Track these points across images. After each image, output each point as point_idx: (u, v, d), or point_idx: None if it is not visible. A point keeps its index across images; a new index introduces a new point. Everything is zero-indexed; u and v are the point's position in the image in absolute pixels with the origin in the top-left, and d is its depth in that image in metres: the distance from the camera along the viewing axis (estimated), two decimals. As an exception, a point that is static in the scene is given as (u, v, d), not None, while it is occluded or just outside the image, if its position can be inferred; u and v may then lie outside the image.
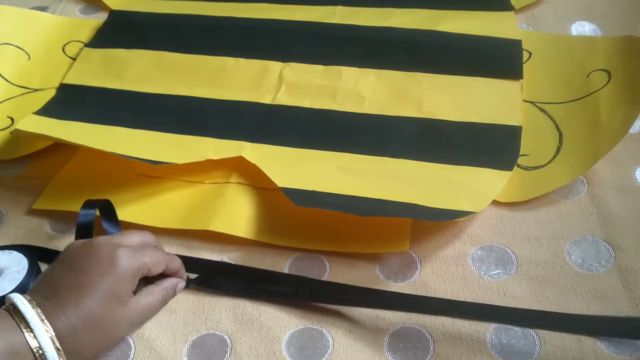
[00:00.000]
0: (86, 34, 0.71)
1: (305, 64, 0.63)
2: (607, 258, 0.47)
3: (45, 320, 0.39)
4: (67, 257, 0.43)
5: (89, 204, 0.49)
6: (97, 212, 0.49)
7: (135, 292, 0.44)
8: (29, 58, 0.69)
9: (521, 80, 0.59)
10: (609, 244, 0.48)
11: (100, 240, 0.44)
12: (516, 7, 0.67)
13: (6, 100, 0.65)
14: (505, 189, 0.50)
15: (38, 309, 0.40)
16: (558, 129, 0.55)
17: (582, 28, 0.66)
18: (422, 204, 0.49)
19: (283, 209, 0.51)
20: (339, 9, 0.69)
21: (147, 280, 0.45)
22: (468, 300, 0.45)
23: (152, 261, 0.44)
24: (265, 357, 0.43)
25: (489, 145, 0.54)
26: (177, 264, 0.47)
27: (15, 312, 0.39)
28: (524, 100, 0.58)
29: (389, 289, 0.47)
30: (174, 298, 0.47)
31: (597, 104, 0.55)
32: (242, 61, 0.64)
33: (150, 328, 0.46)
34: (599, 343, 0.42)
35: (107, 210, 0.50)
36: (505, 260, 0.48)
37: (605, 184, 0.51)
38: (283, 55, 0.64)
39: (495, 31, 0.63)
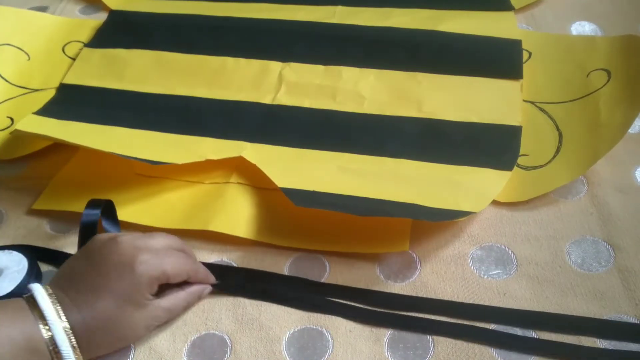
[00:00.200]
0: (86, 34, 0.71)
1: (306, 64, 0.63)
2: (607, 258, 0.47)
3: (63, 317, 0.40)
4: (90, 251, 0.43)
5: (93, 204, 0.49)
6: None
7: (158, 294, 0.43)
8: (29, 58, 0.69)
9: (521, 80, 0.59)
10: (608, 244, 0.48)
11: (125, 239, 0.43)
12: (516, 7, 0.67)
13: (6, 100, 0.65)
14: (505, 189, 0.50)
15: (58, 305, 0.40)
16: (558, 129, 0.55)
17: (582, 28, 0.66)
18: (422, 204, 0.49)
19: (283, 209, 0.51)
20: (339, 9, 0.69)
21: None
22: (468, 300, 0.45)
23: (173, 271, 0.43)
24: (265, 357, 0.43)
25: (489, 145, 0.54)
26: (202, 275, 0.46)
27: (34, 305, 0.40)
28: (523, 100, 0.58)
29: (388, 289, 0.47)
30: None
31: (597, 104, 0.55)
32: (242, 61, 0.64)
33: (150, 328, 0.46)
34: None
35: (109, 211, 0.51)
36: (505, 260, 0.48)
37: (605, 184, 0.51)
38: (283, 55, 0.64)
39: (495, 31, 0.63)
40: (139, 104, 0.62)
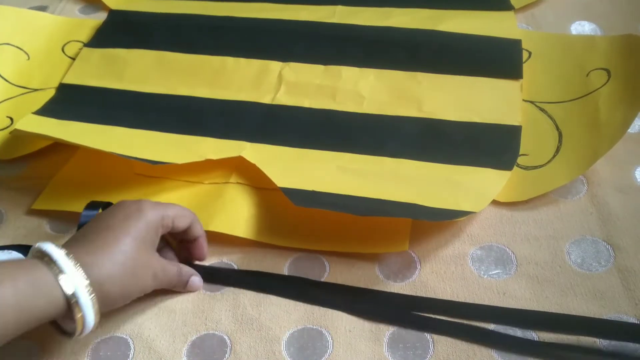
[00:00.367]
0: (86, 34, 0.71)
1: (305, 63, 0.63)
2: (607, 258, 0.47)
3: (79, 266, 0.39)
4: (93, 220, 0.44)
5: (92, 205, 0.49)
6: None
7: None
8: (29, 58, 0.69)
9: (521, 80, 0.58)
10: (608, 244, 0.48)
11: (125, 200, 0.45)
12: (516, 6, 0.67)
13: (6, 100, 0.65)
14: (505, 189, 0.50)
15: (72, 255, 0.39)
16: (558, 129, 0.55)
17: (582, 28, 0.66)
18: (421, 203, 0.49)
19: (283, 209, 0.51)
20: (339, 8, 0.69)
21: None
22: (468, 300, 0.45)
23: (176, 213, 0.45)
24: (264, 357, 0.43)
25: (489, 145, 0.54)
26: (201, 227, 0.48)
27: (47, 260, 0.39)
28: (523, 100, 0.58)
29: (388, 289, 0.47)
30: (174, 297, 0.47)
31: (596, 103, 0.55)
32: (242, 61, 0.64)
33: (150, 328, 0.46)
34: (598, 342, 0.42)
35: None
36: (505, 260, 0.48)
37: (605, 184, 0.51)
38: (283, 55, 0.64)
39: (495, 31, 0.63)
40: (138, 104, 0.62)
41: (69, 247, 0.41)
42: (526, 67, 0.60)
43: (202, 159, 0.54)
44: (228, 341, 0.45)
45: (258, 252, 0.50)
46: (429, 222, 0.50)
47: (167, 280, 0.45)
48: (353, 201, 0.50)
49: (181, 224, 0.46)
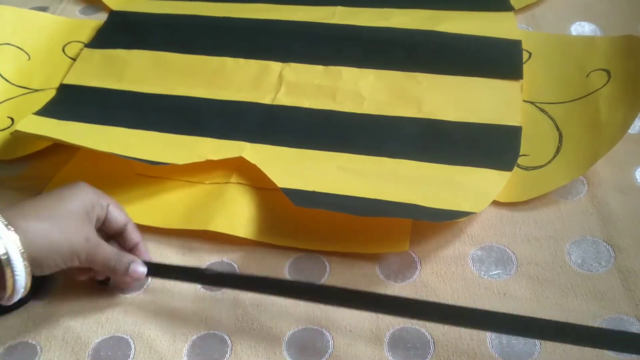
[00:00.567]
0: (86, 35, 0.71)
1: (305, 64, 0.63)
2: (607, 258, 0.47)
3: (10, 226, 0.40)
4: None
5: None
6: None
7: None
8: (29, 58, 0.69)
9: (521, 81, 0.59)
10: (609, 244, 0.48)
11: None
12: (516, 7, 0.67)
13: (6, 100, 0.65)
14: (505, 189, 0.50)
15: (6, 221, 0.40)
16: (558, 129, 0.55)
17: (582, 28, 0.66)
18: (422, 204, 0.49)
19: (283, 209, 0.51)
20: (339, 9, 0.69)
21: None
22: (468, 300, 0.45)
23: (112, 201, 0.47)
24: (265, 357, 0.43)
25: (489, 146, 0.54)
26: (138, 233, 0.48)
27: None
28: (523, 101, 0.58)
29: (388, 289, 0.47)
30: (174, 297, 0.47)
31: (596, 104, 0.55)
32: (242, 61, 0.64)
33: (150, 328, 0.46)
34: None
35: None
36: (505, 261, 0.48)
37: (605, 184, 0.51)
38: (283, 56, 0.64)
39: (495, 31, 0.63)
40: (139, 104, 0.62)
41: (4, 213, 0.41)
42: (526, 68, 0.60)
43: (203, 159, 0.54)
44: (229, 341, 0.45)
45: (258, 252, 0.50)
46: (430, 223, 0.50)
47: (103, 254, 0.45)
48: (353, 201, 0.50)
49: (116, 214, 0.47)
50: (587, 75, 0.58)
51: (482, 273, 0.47)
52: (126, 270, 0.45)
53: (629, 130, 0.52)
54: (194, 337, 0.45)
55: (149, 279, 0.49)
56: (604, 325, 0.43)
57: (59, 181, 0.56)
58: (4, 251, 0.39)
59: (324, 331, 0.45)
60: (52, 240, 0.42)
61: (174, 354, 0.44)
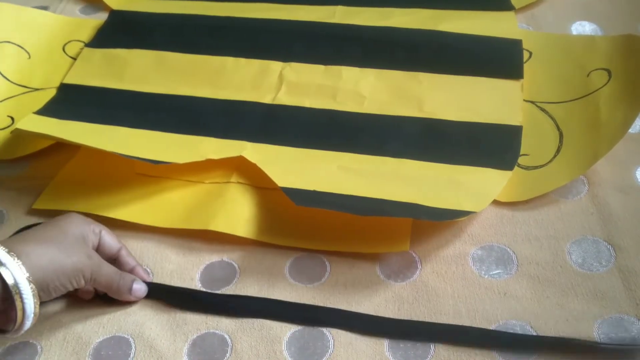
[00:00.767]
0: (86, 34, 0.71)
1: (306, 63, 0.63)
2: (608, 258, 0.47)
3: (12, 252, 0.40)
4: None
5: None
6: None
7: None
8: (29, 57, 0.69)
9: (522, 80, 0.59)
10: (609, 244, 0.48)
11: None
12: (516, 7, 0.67)
13: (6, 99, 0.65)
14: (505, 189, 0.50)
15: (6, 249, 0.40)
16: (558, 129, 0.55)
17: (582, 28, 0.66)
18: (422, 203, 0.49)
19: (283, 209, 0.51)
20: (340, 8, 0.69)
21: None
22: (469, 300, 0.45)
23: (104, 228, 0.47)
24: (265, 357, 0.43)
25: (490, 145, 0.54)
26: (133, 262, 0.48)
27: None
28: (524, 100, 0.58)
29: (389, 289, 0.47)
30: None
31: (597, 103, 0.55)
32: (243, 61, 0.64)
33: (151, 327, 0.46)
34: (597, 339, 0.42)
35: None
36: (506, 260, 0.48)
37: (606, 184, 0.51)
38: (283, 55, 0.64)
39: (496, 31, 0.63)
40: (139, 104, 0.62)
41: (4, 243, 0.42)
42: (527, 67, 0.60)
43: (203, 158, 0.54)
44: (229, 340, 0.45)
45: (259, 251, 0.50)
46: (430, 222, 0.50)
47: (106, 273, 0.45)
48: (354, 201, 0.50)
49: (110, 240, 0.47)
50: (588, 75, 0.58)
51: (483, 273, 0.47)
52: (129, 291, 0.46)
53: (630, 130, 0.52)
54: (195, 336, 0.45)
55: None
56: (604, 325, 0.43)
57: (60, 181, 0.56)
58: (10, 279, 0.39)
59: (325, 331, 0.45)
60: (56, 260, 0.42)
61: (174, 353, 0.44)
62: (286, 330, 0.45)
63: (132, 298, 0.47)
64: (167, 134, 0.58)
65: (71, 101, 0.63)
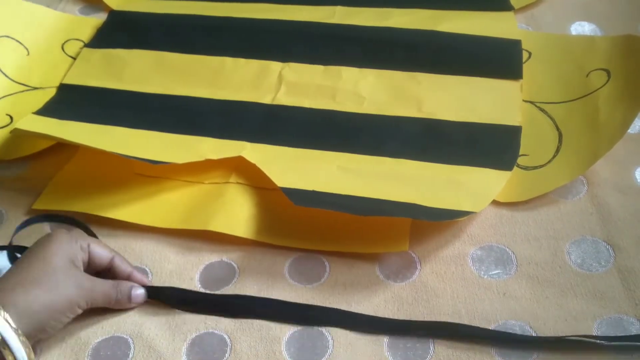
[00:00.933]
0: (86, 33, 0.71)
1: (305, 64, 0.63)
2: (607, 258, 0.47)
3: (3, 310, 0.39)
4: (14, 264, 0.45)
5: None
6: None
7: None
8: (28, 54, 0.69)
9: (521, 80, 0.59)
10: (608, 244, 0.48)
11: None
12: (516, 7, 0.67)
13: (5, 96, 0.64)
14: (505, 189, 0.50)
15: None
16: (557, 129, 0.55)
17: (582, 28, 0.66)
18: (421, 203, 0.49)
19: (283, 209, 0.51)
20: (339, 9, 0.69)
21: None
22: (468, 300, 0.45)
23: (91, 240, 0.46)
24: (265, 357, 0.43)
25: (489, 145, 0.54)
26: (129, 268, 0.47)
27: None
28: (523, 100, 0.58)
29: (388, 289, 0.47)
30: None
31: (596, 104, 0.55)
32: (242, 61, 0.64)
33: (150, 327, 0.46)
34: (599, 342, 0.42)
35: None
36: (505, 260, 0.48)
37: (605, 184, 0.51)
38: (283, 56, 0.64)
39: (495, 31, 0.63)
40: (138, 104, 0.62)
41: None
42: (526, 68, 0.60)
43: (202, 158, 0.54)
44: (228, 340, 0.45)
45: (258, 251, 0.50)
46: (429, 222, 0.50)
47: (101, 292, 0.45)
48: (353, 201, 0.50)
49: (99, 251, 0.46)
50: (587, 75, 0.58)
51: (482, 273, 0.47)
52: (129, 299, 0.46)
53: (629, 130, 0.52)
54: (194, 335, 0.45)
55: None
56: (603, 325, 0.43)
57: (59, 181, 0.56)
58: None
59: (324, 331, 0.45)
60: (47, 303, 0.42)
61: (173, 352, 0.44)
62: (285, 331, 0.45)
63: (133, 305, 0.47)
64: (167, 134, 0.58)
65: (71, 101, 0.63)
